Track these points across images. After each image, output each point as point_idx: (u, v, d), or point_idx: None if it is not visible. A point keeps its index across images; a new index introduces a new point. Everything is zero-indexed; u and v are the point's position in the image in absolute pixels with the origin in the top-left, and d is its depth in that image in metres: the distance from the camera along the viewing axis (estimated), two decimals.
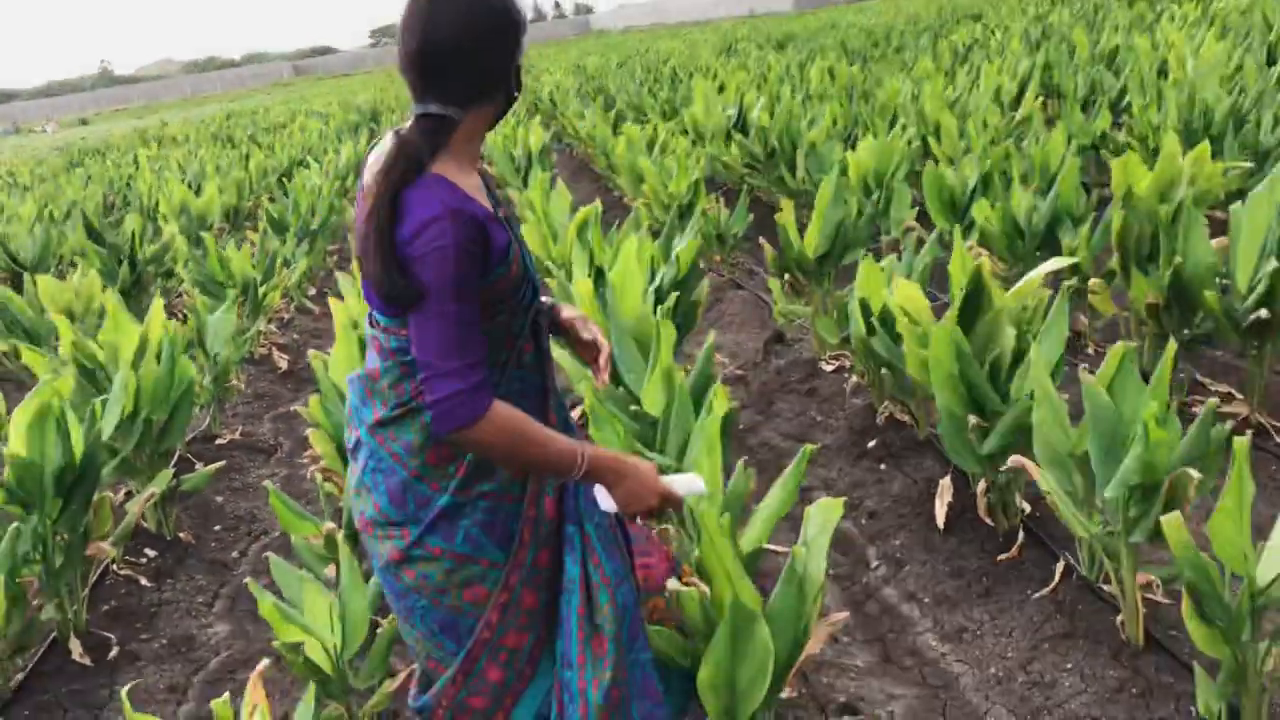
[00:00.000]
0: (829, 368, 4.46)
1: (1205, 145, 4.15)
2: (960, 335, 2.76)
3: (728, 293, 5.99)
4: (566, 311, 2.06)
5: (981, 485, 2.95)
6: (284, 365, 5.73)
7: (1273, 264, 3.02)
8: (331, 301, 3.69)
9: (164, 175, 11.73)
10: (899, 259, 4.01)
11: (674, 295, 3.55)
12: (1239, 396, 3.66)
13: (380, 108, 20.48)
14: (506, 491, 1.80)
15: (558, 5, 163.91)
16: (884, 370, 3.60)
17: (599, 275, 3.97)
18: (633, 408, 3.03)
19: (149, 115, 44.31)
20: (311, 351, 3.63)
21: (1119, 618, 2.51)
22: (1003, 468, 2.68)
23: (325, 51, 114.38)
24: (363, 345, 2.46)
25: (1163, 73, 7.80)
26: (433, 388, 1.63)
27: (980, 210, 4.49)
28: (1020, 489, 2.98)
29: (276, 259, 6.35)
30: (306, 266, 7.00)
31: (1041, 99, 8.08)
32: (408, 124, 1.70)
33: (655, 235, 5.00)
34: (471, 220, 1.61)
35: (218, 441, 4.69)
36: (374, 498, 1.81)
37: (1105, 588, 2.64)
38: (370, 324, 1.81)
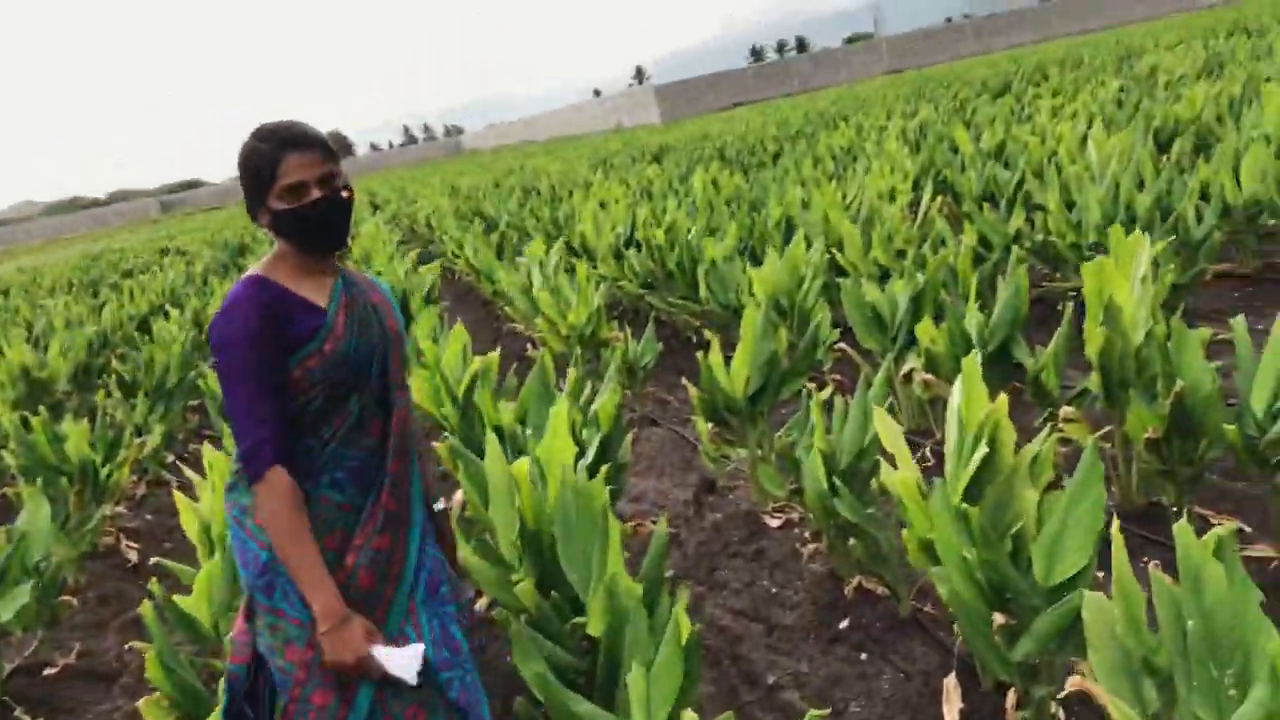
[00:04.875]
0: (775, 523, 3.89)
1: (1152, 241, 3.80)
2: (975, 512, 2.21)
3: (643, 430, 5.40)
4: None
5: (1012, 697, 2.36)
6: (134, 557, 4.89)
7: None
8: (179, 499, 2.99)
9: (7, 333, 10.68)
10: (843, 394, 3.50)
11: (605, 468, 2.93)
12: (1246, 529, 3.22)
13: (250, 241, 19.58)
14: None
15: (427, 128, 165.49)
16: (853, 538, 3.04)
17: (502, 441, 3.35)
18: (576, 619, 2.41)
19: (6, 260, 42.29)
20: (155, 559, 2.94)
21: None
22: (1060, 692, 2.11)
23: (194, 185, 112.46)
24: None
25: (1057, 166, 7.66)
26: (236, 444, 1.91)
27: (924, 330, 4.04)
28: (1054, 695, 2.41)
29: (125, 429, 5.55)
30: (163, 433, 6.18)
31: (940, 200, 7.85)
32: None
33: (557, 370, 4.42)
34: (266, 305, 1.89)
35: (47, 671, 3.85)
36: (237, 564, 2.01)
37: None
38: None
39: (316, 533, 1.92)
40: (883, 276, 5.81)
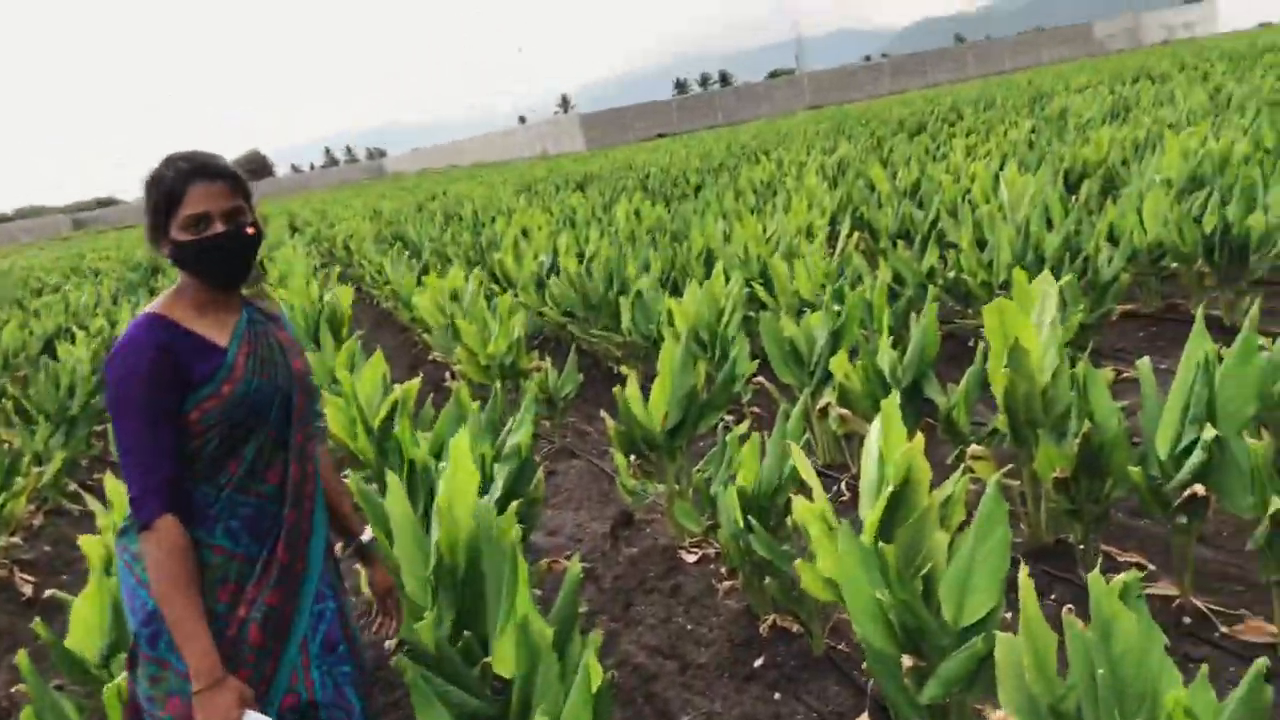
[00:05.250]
0: (691, 558, 3.88)
1: (1060, 281, 3.89)
2: (890, 551, 2.22)
3: (561, 462, 5.36)
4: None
5: None
6: (28, 591, 4.70)
7: (1209, 431, 2.65)
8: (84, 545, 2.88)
9: None
10: (760, 427, 3.51)
11: (515, 504, 2.89)
12: (1150, 566, 3.29)
13: (162, 263, 19.08)
14: (205, 608, 1.82)
15: (349, 150, 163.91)
16: (768, 575, 3.03)
17: (416, 476, 3.30)
18: (484, 661, 2.36)
19: None
20: (50, 591, 2.83)
21: None
22: None
23: (108, 203, 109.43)
24: None
25: (970, 205, 7.83)
26: (127, 488, 1.83)
27: (839, 366, 4.07)
28: None
29: (22, 457, 5.34)
30: (63, 460, 5.96)
31: (857, 236, 7.97)
32: None
33: (476, 400, 4.36)
34: (162, 347, 1.83)
35: None
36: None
37: None
38: None
39: (209, 585, 1.86)
40: (801, 310, 5.87)
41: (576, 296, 7.01)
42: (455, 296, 7.10)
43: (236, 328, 1.95)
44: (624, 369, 4.02)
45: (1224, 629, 2.86)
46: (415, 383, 4.17)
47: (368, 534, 2.30)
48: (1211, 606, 2.94)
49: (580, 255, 8.25)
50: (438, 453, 3.60)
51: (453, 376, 7.23)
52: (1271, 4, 68.32)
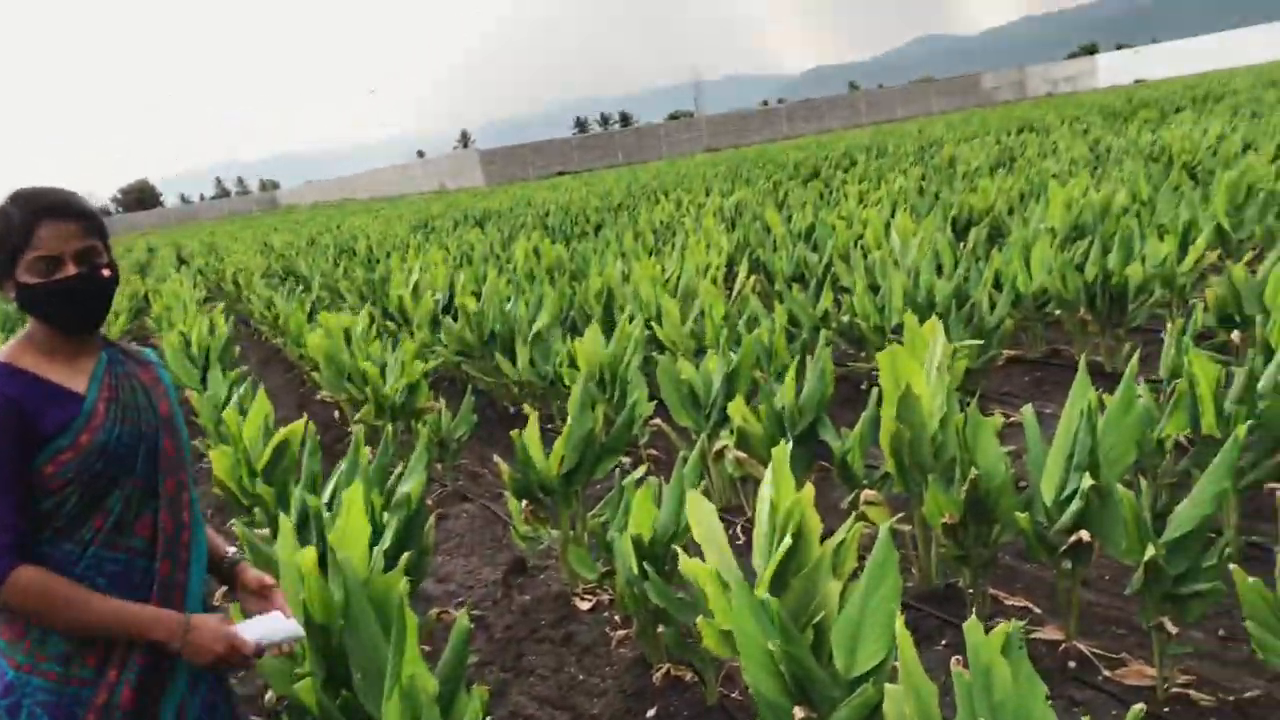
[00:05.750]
0: (585, 605, 3.81)
1: (949, 327, 3.98)
2: (776, 604, 2.19)
3: (454, 506, 5.25)
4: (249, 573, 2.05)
5: None
6: None
7: (1089, 479, 2.70)
8: None
9: None
10: (658, 470, 3.48)
11: (405, 556, 2.80)
12: (1036, 610, 3.35)
13: None
14: (71, 674, 1.74)
15: (241, 181, 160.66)
16: (662, 624, 2.99)
17: (306, 523, 3.17)
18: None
19: None
20: None
21: None
22: None
23: None
24: None
25: (863, 250, 7.99)
26: None
27: (736, 409, 4.07)
28: None
29: None
30: None
31: (753, 279, 8.05)
32: None
33: (369, 442, 4.23)
34: (10, 398, 1.71)
35: None
36: None
37: None
38: None
39: (78, 650, 1.74)
40: (698, 352, 5.89)
41: (472, 335, 6.91)
42: (348, 336, 6.94)
43: (95, 371, 1.83)
44: (526, 410, 3.94)
45: (1106, 672, 2.91)
46: (301, 424, 4.04)
47: (231, 550, 2.12)
48: (1095, 650, 2.99)
49: (477, 293, 8.17)
50: (331, 499, 3.48)
51: (341, 416, 7.05)
52: (1146, 63, 72.08)
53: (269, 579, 2.05)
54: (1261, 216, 6.70)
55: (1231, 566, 2.34)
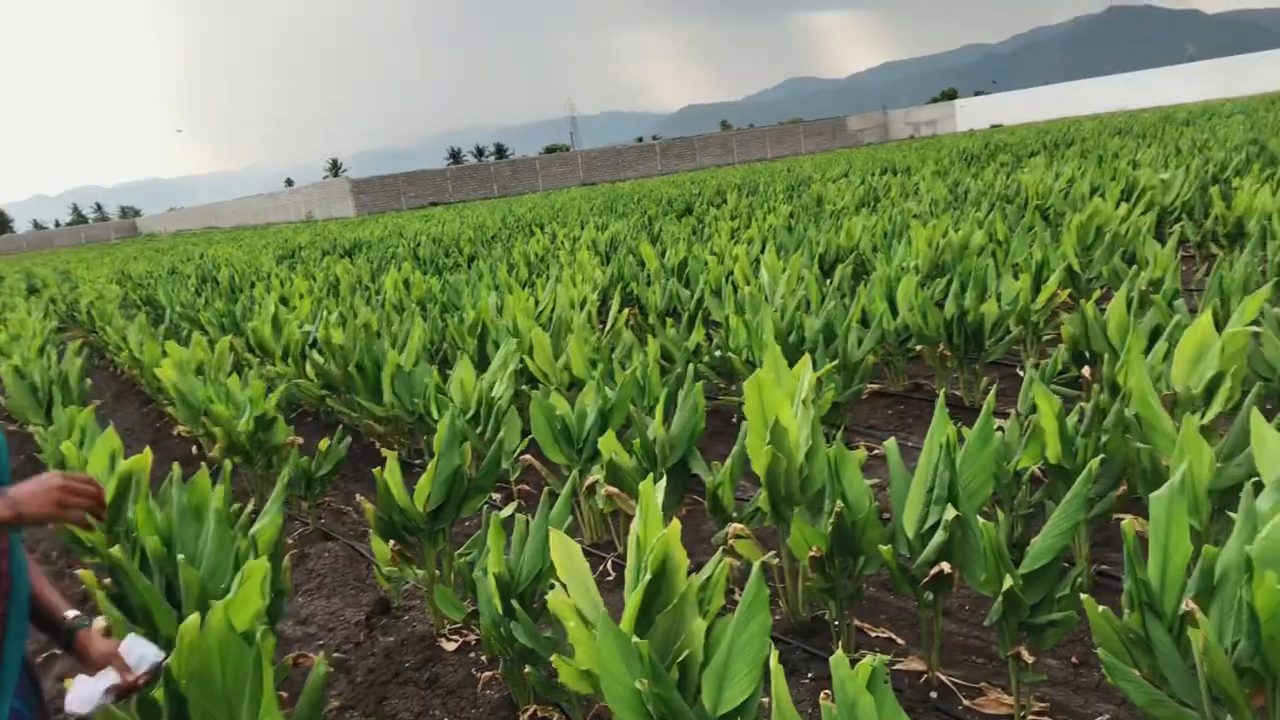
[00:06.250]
0: (451, 646, 3.71)
1: (816, 362, 4.04)
2: (643, 644, 2.16)
3: (316, 545, 5.07)
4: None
5: None
6: None
7: (950, 511, 2.76)
8: None
9: None
10: (529, 506, 3.42)
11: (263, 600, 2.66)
12: (899, 641, 3.40)
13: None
14: None
15: (99, 207, 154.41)
16: (529, 665, 2.93)
17: (145, 564, 3.02)
18: None
19: None
20: None
21: None
22: None
23: None
24: None
25: (734, 285, 8.09)
26: None
27: (607, 443, 4.05)
28: None
29: None
30: None
31: (627, 312, 8.07)
32: None
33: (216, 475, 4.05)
34: None
35: None
36: None
37: None
38: None
39: None
40: (571, 386, 5.86)
41: (337, 368, 6.73)
42: (200, 369, 6.68)
43: None
44: (384, 453, 3.81)
45: (966, 702, 2.96)
46: (146, 457, 3.84)
47: (71, 614, 1.99)
48: (955, 680, 3.05)
49: (344, 325, 7.98)
50: (171, 540, 3.31)
51: (200, 451, 6.77)
52: (1002, 108, 75.66)
53: (121, 651, 1.95)
54: (1108, 257, 7.03)
55: (1083, 596, 2.41)
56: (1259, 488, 2.47)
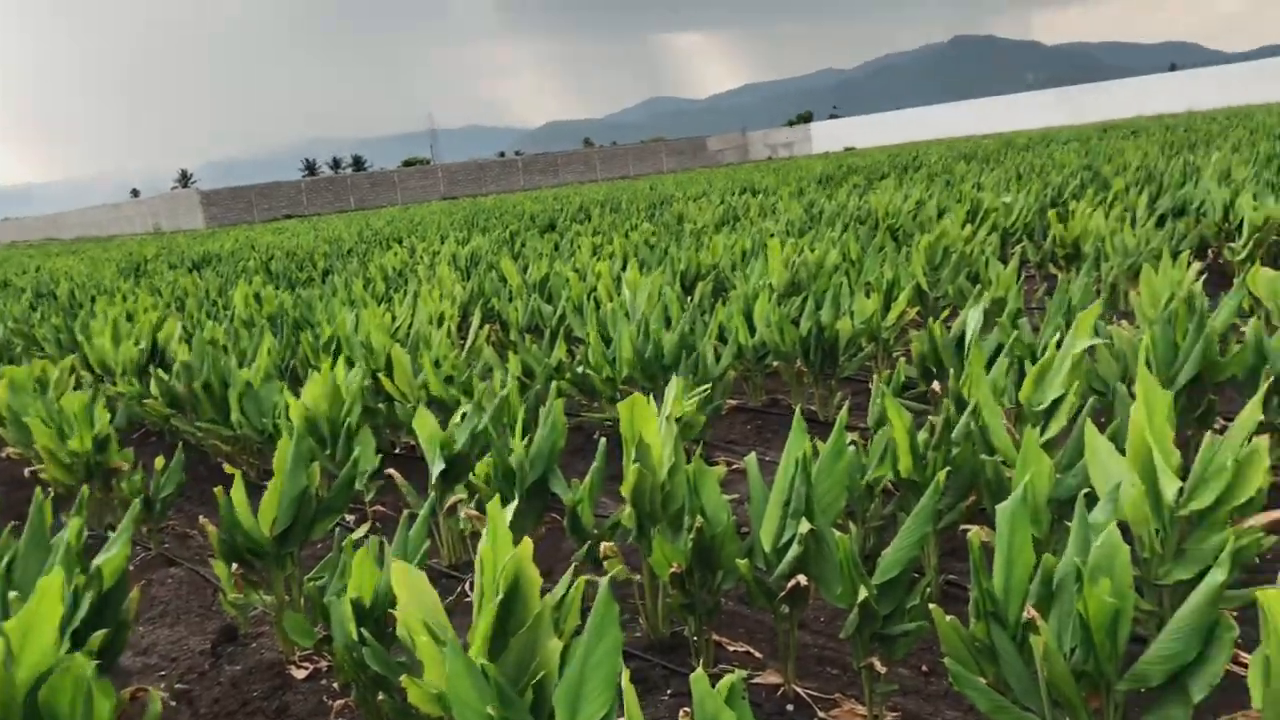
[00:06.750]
0: (301, 674, 3.57)
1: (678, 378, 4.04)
2: (491, 667, 2.11)
3: (158, 571, 4.83)
4: None
5: None
6: None
7: (805, 525, 2.80)
8: None
9: None
10: (385, 526, 3.33)
11: (100, 634, 2.51)
12: (757, 655, 3.43)
13: None
14: None
15: None
16: (381, 693, 2.84)
17: None
18: None
19: None
20: None
21: None
22: None
23: None
24: None
25: (595, 302, 8.10)
26: None
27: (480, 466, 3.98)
28: None
29: None
30: None
31: (488, 329, 7.99)
32: None
33: (58, 501, 3.82)
34: None
35: None
36: None
37: None
38: None
39: None
40: (429, 403, 5.74)
41: (182, 386, 6.45)
42: (39, 386, 6.32)
43: None
44: (228, 469, 3.67)
45: (822, 713, 3.00)
46: None
47: None
48: (811, 692, 3.09)
49: (189, 341, 7.66)
50: (7, 573, 3.10)
51: (34, 475, 6.39)
52: (855, 130, 78.33)
53: None
54: (954, 277, 7.30)
55: (931, 606, 2.47)
56: (1091, 499, 2.58)
